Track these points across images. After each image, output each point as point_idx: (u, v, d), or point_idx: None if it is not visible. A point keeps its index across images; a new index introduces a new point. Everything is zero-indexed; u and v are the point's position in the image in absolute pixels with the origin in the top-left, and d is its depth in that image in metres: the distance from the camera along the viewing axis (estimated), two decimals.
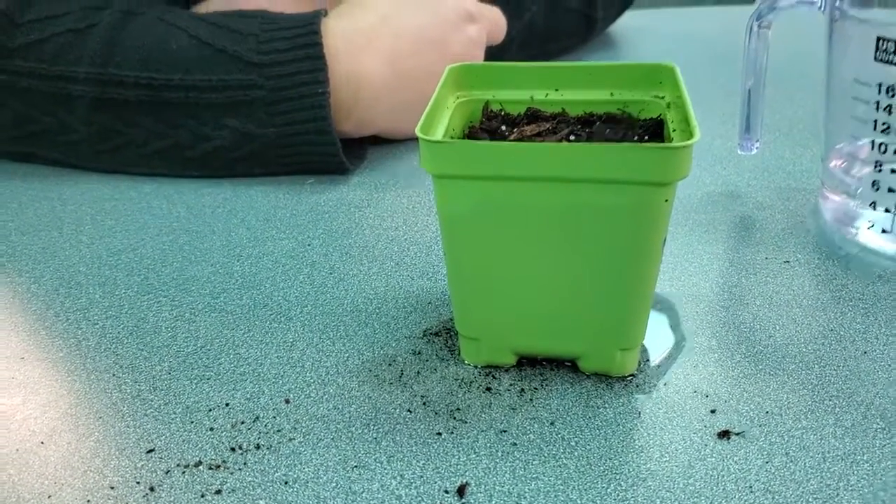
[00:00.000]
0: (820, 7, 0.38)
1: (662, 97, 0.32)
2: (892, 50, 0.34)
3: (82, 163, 0.48)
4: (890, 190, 0.36)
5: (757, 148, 0.43)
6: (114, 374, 0.32)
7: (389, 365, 0.32)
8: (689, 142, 0.26)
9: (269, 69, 0.43)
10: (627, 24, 0.71)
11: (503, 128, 0.33)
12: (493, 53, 0.59)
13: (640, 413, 0.29)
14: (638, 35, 0.71)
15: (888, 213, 0.37)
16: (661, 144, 0.26)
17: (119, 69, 0.44)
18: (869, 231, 0.38)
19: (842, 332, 0.33)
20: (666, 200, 0.27)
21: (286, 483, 0.26)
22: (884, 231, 0.37)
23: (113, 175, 0.48)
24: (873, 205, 0.37)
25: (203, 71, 0.44)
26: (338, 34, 0.45)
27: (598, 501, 0.25)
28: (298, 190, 0.46)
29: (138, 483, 0.26)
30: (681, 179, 0.26)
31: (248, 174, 0.47)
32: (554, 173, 0.26)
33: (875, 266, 0.37)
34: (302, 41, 0.44)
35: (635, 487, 0.26)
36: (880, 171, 0.36)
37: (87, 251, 0.41)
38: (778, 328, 0.33)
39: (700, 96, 0.49)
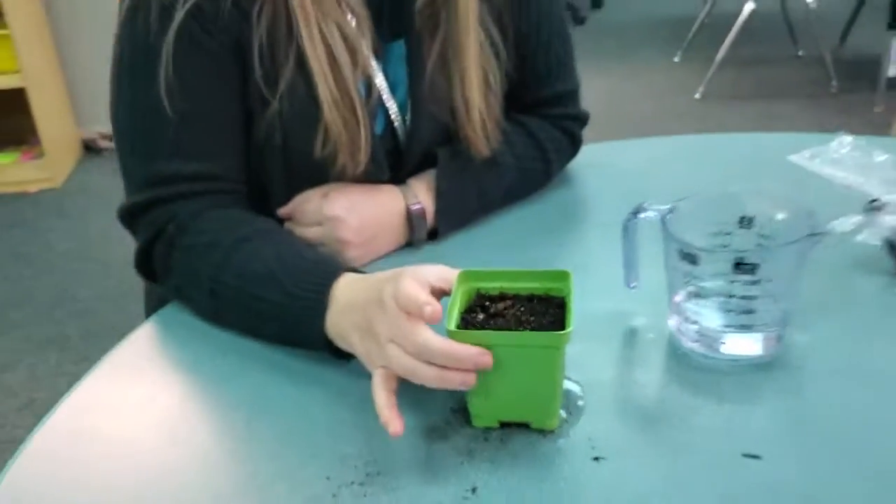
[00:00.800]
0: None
1: (566, 285, 0.64)
2: (684, 255, 0.65)
3: (209, 322, 0.78)
4: (693, 322, 0.68)
5: (635, 286, 0.75)
6: (298, 435, 0.63)
7: (434, 428, 0.63)
8: (565, 332, 0.58)
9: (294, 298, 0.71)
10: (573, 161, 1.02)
11: (487, 303, 0.65)
12: (484, 206, 0.91)
13: (559, 449, 0.61)
14: (581, 171, 1.02)
15: (689, 329, 0.69)
16: (552, 333, 0.58)
17: (221, 273, 0.74)
18: (685, 342, 0.69)
19: (671, 400, 0.65)
20: (559, 352, 0.59)
21: (395, 490, 0.58)
22: (689, 340, 0.69)
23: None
24: (688, 326, 0.69)
25: (264, 288, 0.72)
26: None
27: (537, 495, 0.57)
28: None
29: (326, 492, 0.58)
30: (566, 344, 0.58)
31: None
32: (508, 343, 0.59)
33: (692, 357, 0.69)
34: (320, 282, 0.70)
35: (554, 487, 0.57)
36: (687, 312, 0.68)
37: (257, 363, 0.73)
38: (638, 398, 0.65)
39: (616, 228, 0.79)
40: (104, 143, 3.02)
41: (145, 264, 0.81)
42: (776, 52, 3.61)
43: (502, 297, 0.65)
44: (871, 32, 3.35)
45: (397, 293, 0.61)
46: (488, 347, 0.59)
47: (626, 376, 0.68)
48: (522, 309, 0.63)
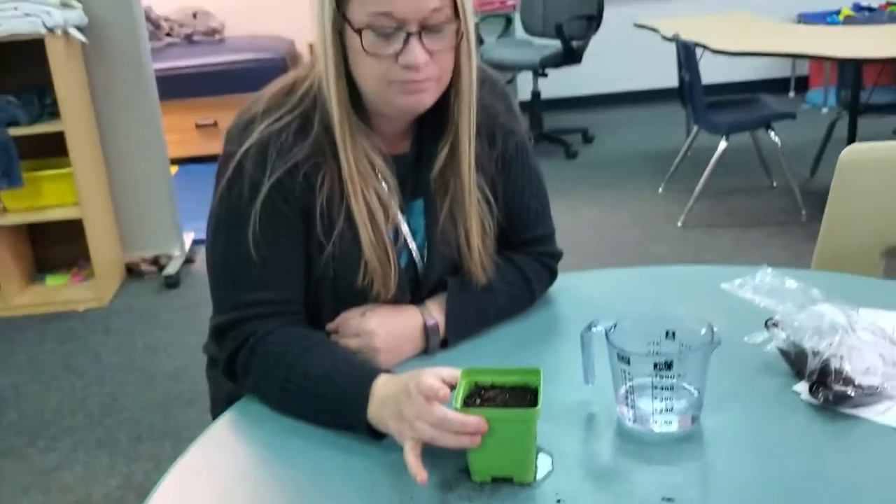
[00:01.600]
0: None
1: (538, 379, 0.91)
2: (620, 357, 0.93)
3: (278, 412, 1.04)
4: (631, 407, 0.95)
5: (593, 383, 1.02)
6: (348, 489, 0.89)
7: (445, 482, 0.89)
8: (536, 409, 0.85)
9: (345, 395, 0.99)
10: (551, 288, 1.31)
11: (483, 391, 0.92)
12: (482, 322, 1.19)
13: (533, 496, 0.86)
14: (557, 296, 1.30)
15: (628, 413, 0.95)
16: (527, 410, 0.85)
17: (290, 374, 1.01)
18: (627, 421, 0.96)
19: (615, 463, 0.91)
20: (532, 424, 0.85)
21: None
22: (629, 421, 0.95)
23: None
24: (627, 411, 0.95)
25: (322, 386, 0.99)
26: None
27: None
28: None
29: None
30: (537, 419, 0.85)
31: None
32: (497, 417, 0.85)
33: (631, 433, 0.95)
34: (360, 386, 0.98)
35: None
36: (627, 400, 0.95)
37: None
38: (592, 462, 0.91)
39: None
40: (145, 267, 3.35)
41: (230, 368, 1.08)
42: (751, 184, 3.96)
43: (493, 386, 0.92)
44: None
45: (419, 384, 0.89)
46: (487, 419, 0.86)
47: (584, 447, 0.94)
48: (507, 395, 0.91)
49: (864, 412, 0.96)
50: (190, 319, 2.97)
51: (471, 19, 1.05)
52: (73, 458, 2.22)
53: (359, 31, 1.01)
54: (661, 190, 3.94)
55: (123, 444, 2.24)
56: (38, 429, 2.39)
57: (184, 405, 2.36)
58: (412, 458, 0.87)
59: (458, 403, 0.88)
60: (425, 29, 1.01)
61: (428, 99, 1.06)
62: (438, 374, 0.91)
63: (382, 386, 0.96)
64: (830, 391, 0.97)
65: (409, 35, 1.00)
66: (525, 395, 0.90)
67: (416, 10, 0.99)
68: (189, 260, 3.47)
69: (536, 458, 0.90)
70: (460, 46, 1.05)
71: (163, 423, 2.30)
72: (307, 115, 1.08)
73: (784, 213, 3.58)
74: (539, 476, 0.89)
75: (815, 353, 1.00)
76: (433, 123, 1.12)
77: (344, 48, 1.04)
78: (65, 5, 2.96)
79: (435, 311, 1.16)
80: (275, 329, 1.06)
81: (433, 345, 1.15)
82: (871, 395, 0.97)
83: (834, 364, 0.98)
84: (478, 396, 0.91)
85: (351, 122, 1.07)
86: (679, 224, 3.54)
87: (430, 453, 0.89)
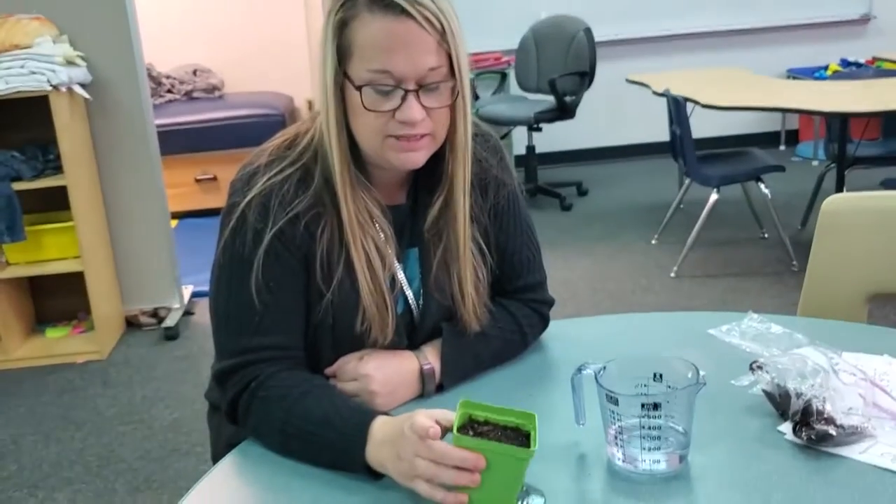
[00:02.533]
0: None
1: (532, 423, 0.94)
2: (609, 398, 0.96)
3: (278, 454, 1.07)
4: (620, 447, 0.98)
5: (583, 423, 1.05)
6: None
7: None
8: (532, 449, 0.88)
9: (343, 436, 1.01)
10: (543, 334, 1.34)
11: (476, 425, 0.95)
12: (477, 366, 1.23)
13: None
14: (549, 341, 1.34)
15: (618, 452, 0.98)
16: (524, 448, 0.88)
17: (290, 417, 1.04)
18: (616, 461, 0.99)
19: (604, 501, 0.94)
20: (526, 463, 0.89)
21: None
22: (619, 460, 0.98)
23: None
24: (617, 450, 0.99)
25: (321, 428, 1.03)
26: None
27: None
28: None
29: None
30: (531, 458, 0.88)
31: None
32: (493, 449, 0.89)
33: (620, 473, 0.98)
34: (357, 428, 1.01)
35: None
36: (616, 440, 0.98)
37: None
38: (582, 496, 0.94)
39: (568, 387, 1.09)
40: (144, 320, 3.38)
41: (232, 412, 1.11)
42: (743, 235, 4.02)
43: (486, 423, 0.95)
44: None
45: (413, 424, 0.92)
46: (482, 451, 0.89)
47: (576, 486, 0.97)
48: (500, 434, 0.94)
49: (845, 451, 0.99)
50: (188, 371, 2.99)
51: (466, 78, 1.10)
52: None
53: (359, 88, 1.06)
54: (654, 241, 4.00)
55: (121, 495, 2.25)
56: (37, 480, 2.40)
57: (181, 456, 2.36)
58: (440, 493, 0.91)
59: (455, 429, 0.91)
60: (422, 87, 1.06)
61: (421, 157, 1.11)
62: (432, 415, 0.95)
63: (379, 428, 1.00)
64: (813, 431, 1.00)
65: (406, 92, 1.06)
66: (517, 437, 0.93)
67: (414, 70, 1.05)
68: (188, 312, 3.50)
69: (523, 501, 0.93)
70: (456, 104, 1.11)
71: (160, 473, 2.31)
72: (308, 167, 1.13)
73: (776, 263, 3.63)
74: None
75: (799, 395, 1.04)
76: (429, 176, 1.17)
77: (345, 103, 1.10)
78: (70, 63, 3.04)
79: (431, 356, 1.19)
80: (276, 373, 1.09)
81: (429, 389, 1.18)
82: (853, 434, 1.00)
83: (816, 405, 1.02)
84: (470, 429, 0.94)
85: (351, 175, 1.12)
86: (672, 275, 3.59)
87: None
